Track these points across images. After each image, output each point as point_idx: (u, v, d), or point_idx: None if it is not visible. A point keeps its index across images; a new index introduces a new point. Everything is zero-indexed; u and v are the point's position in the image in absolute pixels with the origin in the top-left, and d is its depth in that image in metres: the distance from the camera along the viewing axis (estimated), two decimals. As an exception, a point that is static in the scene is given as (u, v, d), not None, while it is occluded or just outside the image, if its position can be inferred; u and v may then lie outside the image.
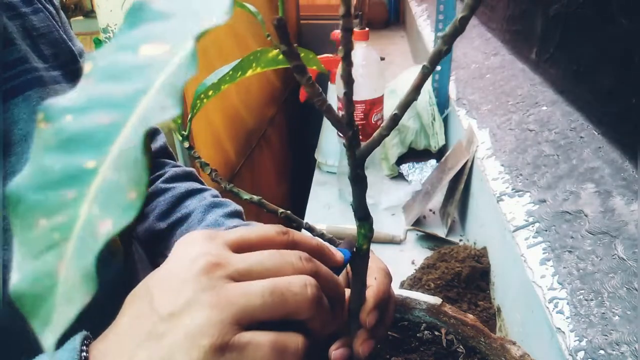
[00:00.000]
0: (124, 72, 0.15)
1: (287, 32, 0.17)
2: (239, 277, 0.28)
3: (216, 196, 0.67)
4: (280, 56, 0.29)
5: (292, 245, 0.32)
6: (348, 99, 0.18)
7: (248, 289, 0.27)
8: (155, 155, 0.70)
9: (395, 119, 0.18)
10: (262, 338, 0.26)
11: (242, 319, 0.26)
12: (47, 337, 0.13)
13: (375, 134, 0.20)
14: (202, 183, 0.70)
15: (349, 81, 0.17)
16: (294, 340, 0.28)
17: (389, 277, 0.40)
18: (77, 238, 0.13)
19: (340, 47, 0.16)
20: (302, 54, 0.31)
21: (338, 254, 0.35)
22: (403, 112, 0.18)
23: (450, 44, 0.15)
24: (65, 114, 0.14)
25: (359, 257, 0.34)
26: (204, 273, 0.27)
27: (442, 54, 0.15)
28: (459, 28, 0.14)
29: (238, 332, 0.26)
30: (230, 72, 0.33)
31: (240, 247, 0.31)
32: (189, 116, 0.35)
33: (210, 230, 0.32)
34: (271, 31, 0.21)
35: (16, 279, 0.13)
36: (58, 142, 0.14)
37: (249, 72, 0.33)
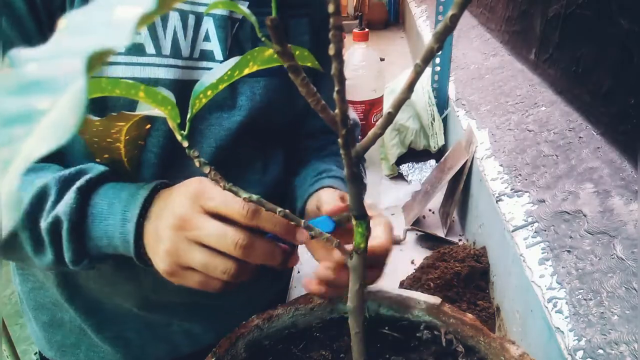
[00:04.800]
0: (95, 28, 0.15)
1: (281, 32, 0.17)
2: (193, 239, 0.40)
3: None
4: (276, 55, 0.30)
5: (255, 226, 0.41)
6: (341, 97, 0.18)
7: (192, 255, 0.41)
8: None
9: (390, 118, 0.18)
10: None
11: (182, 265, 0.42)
12: None
13: (370, 133, 0.20)
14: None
15: (341, 79, 0.17)
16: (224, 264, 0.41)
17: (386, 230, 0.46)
18: (13, 169, 0.13)
19: (331, 46, 0.16)
20: (296, 52, 0.31)
21: (300, 235, 0.45)
22: (397, 110, 0.18)
23: (441, 42, 0.15)
24: (30, 61, 0.15)
25: (356, 256, 0.34)
26: (173, 228, 0.41)
27: (434, 52, 0.15)
28: (450, 26, 0.14)
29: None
30: (228, 72, 0.33)
31: (214, 215, 0.41)
32: (188, 116, 0.35)
33: (201, 189, 0.42)
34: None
35: None
36: (18, 86, 0.14)
37: (246, 71, 0.33)
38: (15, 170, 0.13)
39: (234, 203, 0.41)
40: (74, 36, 0.15)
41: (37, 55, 0.15)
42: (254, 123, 0.56)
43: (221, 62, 0.54)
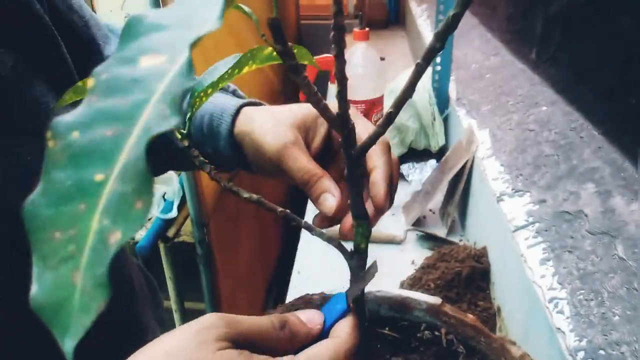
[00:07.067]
0: (125, 84, 0.16)
1: (281, 32, 0.17)
2: None
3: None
4: (275, 53, 0.29)
5: (289, 340, 0.32)
6: (342, 97, 0.18)
7: None
8: None
9: (391, 117, 0.18)
10: None
11: None
12: (67, 343, 0.14)
13: (371, 132, 0.20)
14: None
15: (342, 80, 0.17)
16: None
17: (389, 150, 0.41)
18: (90, 249, 0.14)
19: (333, 46, 0.16)
20: (295, 50, 0.31)
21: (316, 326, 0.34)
22: (398, 109, 0.18)
23: (443, 41, 0.14)
24: (72, 130, 0.15)
25: (357, 256, 0.34)
26: None
27: (435, 51, 0.15)
28: (452, 25, 0.14)
29: None
30: (228, 71, 0.33)
31: (239, 344, 0.30)
32: (188, 115, 0.35)
33: (205, 333, 0.29)
34: (267, 31, 0.21)
35: (35, 291, 0.14)
36: (67, 157, 0.15)
37: (246, 69, 0.33)
38: (99, 256, 0.14)
39: (257, 320, 0.31)
40: (105, 98, 0.16)
41: (76, 122, 0.15)
42: None
43: None
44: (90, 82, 0.16)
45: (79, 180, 0.14)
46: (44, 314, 0.14)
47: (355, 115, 0.39)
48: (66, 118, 0.15)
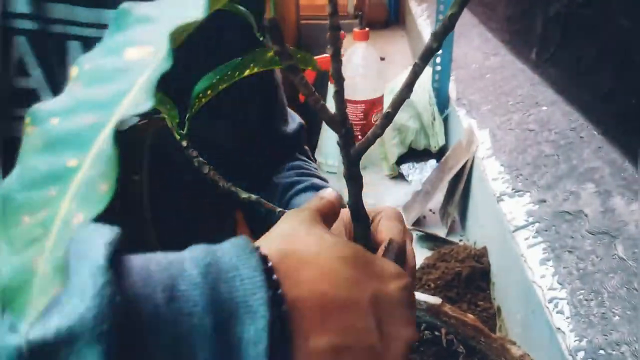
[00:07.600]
0: (108, 75, 0.15)
1: (279, 32, 0.17)
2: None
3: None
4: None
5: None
6: (339, 97, 0.18)
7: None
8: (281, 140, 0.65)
9: (389, 117, 0.18)
10: None
11: None
12: (23, 327, 0.14)
13: (369, 133, 0.20)
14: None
15: (339, 80, 0.17)
16: None
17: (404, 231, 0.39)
18: (56, 233, 0.14)
19: (329, 46, 0.16)
20: (299, 55, 0.31)
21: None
22: (396, 110, 0.18)
23: (440, 41, 0.14)
24: (51, 117, 0.15)
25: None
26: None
27: (433, 51, 0.15)
28: (449, 25, 0.14)
29: None
30: (229, 72, 0.33)
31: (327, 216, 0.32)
32: (187, 115, 0.35)
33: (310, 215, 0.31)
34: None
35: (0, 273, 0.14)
36: (44, 143, 0.15)
37: (247, 72, 0.33)
38: (61, 239, 0.14)
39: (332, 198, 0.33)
40: (87, 86, 0.16)
41: (57, 109, 0.15)
42: None
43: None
44: (73, 70, 0.16)
45: (53, 166, 0.14)
46: (3, 297, 0.14)
47: (388, 216, 0.39)
48: (47, 105, 0.15)
